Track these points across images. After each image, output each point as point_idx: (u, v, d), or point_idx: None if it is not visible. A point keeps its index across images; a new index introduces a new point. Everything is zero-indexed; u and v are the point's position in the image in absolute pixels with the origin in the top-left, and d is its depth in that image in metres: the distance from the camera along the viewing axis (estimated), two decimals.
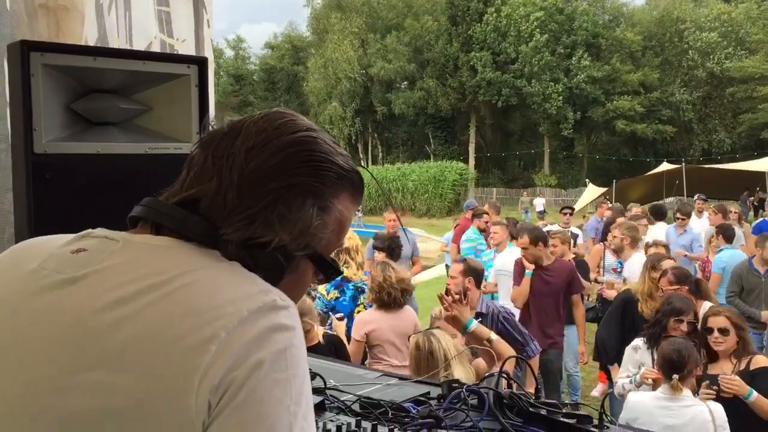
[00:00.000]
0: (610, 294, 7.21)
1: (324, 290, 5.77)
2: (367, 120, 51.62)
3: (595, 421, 1.68)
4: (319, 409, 1.68)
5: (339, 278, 5.75)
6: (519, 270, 6.38)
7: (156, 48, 2.52)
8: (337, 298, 5.83)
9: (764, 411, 3.95)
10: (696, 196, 14.10)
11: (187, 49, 2.57)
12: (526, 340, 4.79)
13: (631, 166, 41.10)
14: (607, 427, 1.65)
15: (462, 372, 3.24)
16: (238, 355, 0.83)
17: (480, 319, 4.84)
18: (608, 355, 5.78)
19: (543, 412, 1.71)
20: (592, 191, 28.65)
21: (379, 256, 6.53)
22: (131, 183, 2.00)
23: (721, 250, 7.97)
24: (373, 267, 5.11)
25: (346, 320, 5.75)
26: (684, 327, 4.48)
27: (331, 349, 4.44)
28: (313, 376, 1.97)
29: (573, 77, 43.92)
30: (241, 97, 60.31)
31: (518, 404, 1.72)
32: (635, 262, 6.83)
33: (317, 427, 1.54)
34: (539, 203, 27.71)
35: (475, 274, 5.05)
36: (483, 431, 1.63)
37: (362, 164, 46.78)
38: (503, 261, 7.20)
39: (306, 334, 4.21)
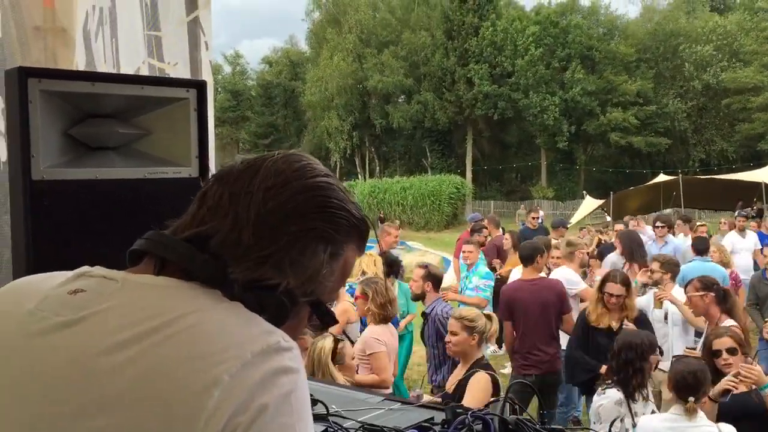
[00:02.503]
0: None
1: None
2: (365, 134, 51.79)
3: None
4: None
5: (355, 285, 6.01)
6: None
7: (144, 72, 2.51)
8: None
9: None
10: (737, 213, 13.32)
11: (180, 72, 2.57)
12: None
13: (629, 177, 41.17)
14: None
15: (341, 379, 3.92)
16: (242, 399, 0.82)
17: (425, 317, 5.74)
18: (575, 376, 5.70)
19: None
20: (589, 203, 28.67)
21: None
22: (130, 208, 1.99)
23: (691, 261, 7.98)
24: (378, 284, 5.28)
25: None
26: (659, 357, 4.43)
27: None
28: (315, 402, 1.95)
29: (568, 90, 44.12)
30: (238, 112, 60.54)
31: (524, 430, 1.70)
32: None
33: None
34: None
35: (434, 279, 5.92)
36: None
37: (360, 178, 47.00)
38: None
39: (305, 351, 4.23)
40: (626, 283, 5.49)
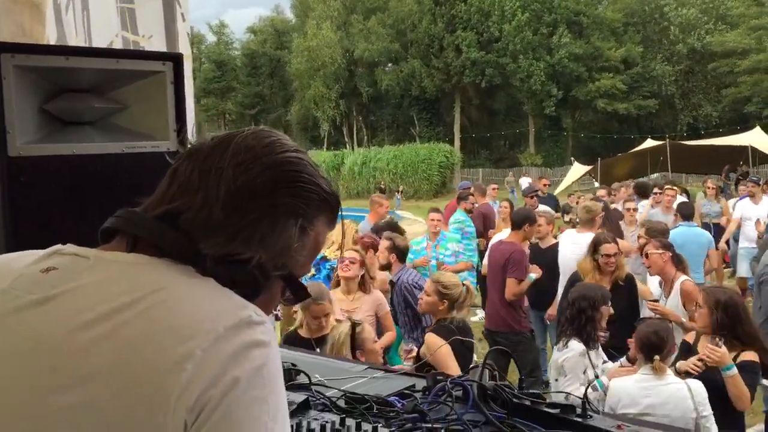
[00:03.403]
0: None
1: None
2: (352, 103, 51.48)
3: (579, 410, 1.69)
4: (304, 407, 1.68)
5: (318, 257, 6.02)
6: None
7: (118, 46, 2.48)
8: (312, 275, 6.22)
9: (739, 392, 3.85)
10: (748, 178, 13.02)
11: (155, 45, 2.53)
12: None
13: (617, 143, 41.26)
14: (590, 416, 1.67)
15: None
16: (214, 373, 0.83)
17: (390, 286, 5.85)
18: None
19: (527, 402, 1.72)
20: (577, 170, 28.75)
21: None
22: (108, 183, 1.98)
23: (678, 227, 8.05)
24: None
25: None
26: (611, 310, 4.57)
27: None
28: (298, 372, 1.97)
29: (555, 54, 43.98)
30: (223, 83, 59.94)
31: (502, 396, 1.73)
32: None
33: (301, 427, 1.54)
34: (525, 183, 27.79)
35: (399, 251, 6.04)
36: (467, 424, 1.64)
37: (348, 147, 46.84)
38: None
39: (326, 317, 4.28)
40: (615, 239, 5.66)
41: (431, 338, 4.20)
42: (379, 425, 1.55)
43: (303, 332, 4.34)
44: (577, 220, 7.59)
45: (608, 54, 43.97)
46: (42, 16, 2.12)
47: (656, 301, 5.37)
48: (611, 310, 4.58)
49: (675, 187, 10.13)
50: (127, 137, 2.07)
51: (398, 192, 32.77)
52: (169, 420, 0.81)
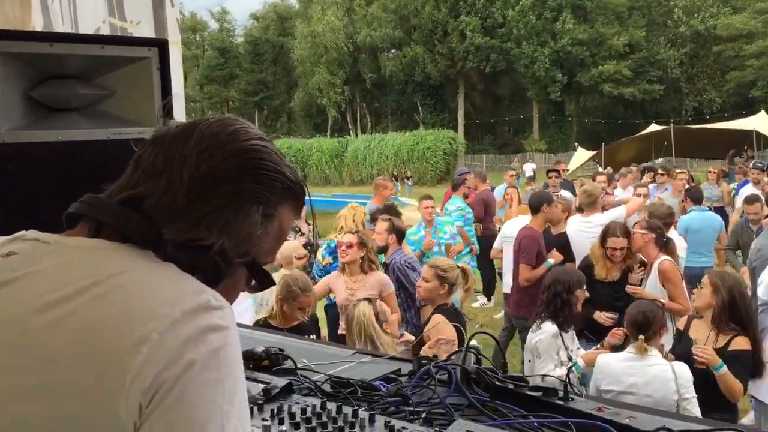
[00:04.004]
0: None
1: (320, 256, 6.26)
2: (356, 89, 51.36)
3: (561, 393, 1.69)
4: (287, 391, 1.69)
5: (333, 244, 6.12)
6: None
7: (105, 32, 2.47)
8: (330, 263, 6.12)
9: (729, 388, 3.88)
10: (752, 164, 12.49)
11: (144, 31, 2.52)
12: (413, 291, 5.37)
13: (621, 128, 41.10)
14: (572, 399, 1.67)
15: (387, 339, 3.85)
16: (170, 356, 0.83)
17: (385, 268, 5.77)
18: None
19: (510, 386, 1.73)
20: (581, 155, 28.65)
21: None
22: (94, 169, 1.98)
23: (689, 211, 8.03)
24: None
25: None
26: (586, 293, 4.62)
27: (314, 326, 4.55)
28: (285, 357, 1.98)
29: (559, 40, 43.79)
30: (226, 70, 59.84)
31: (485, 379, 1.74)
32: None
33: (282, 410, 1.55)
34: (529, 168, 27.76)
35: (398, 232, 5.96)
36: (449, 407, 1.64)
37: (352, 134, 46.76)
38: (511, 228, 7.26)
39: (307, 308, 4.29)
40: (626, 234, 5.61)
41: (439, 318, 4.18)
42: (361, 409, 1.56)
43: (275, 322, 4.30)
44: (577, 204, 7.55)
45: (612, 39, 43.77)
46: (27, 3, 2.11)
47: (638, 285, 5.39)
48: (587, 294, 4.63)
49: (684, 171, 10.14)
50: (113, 124, 2.07)
51: (407, 178, 32.83)
52: (123, 402, 0.81)
